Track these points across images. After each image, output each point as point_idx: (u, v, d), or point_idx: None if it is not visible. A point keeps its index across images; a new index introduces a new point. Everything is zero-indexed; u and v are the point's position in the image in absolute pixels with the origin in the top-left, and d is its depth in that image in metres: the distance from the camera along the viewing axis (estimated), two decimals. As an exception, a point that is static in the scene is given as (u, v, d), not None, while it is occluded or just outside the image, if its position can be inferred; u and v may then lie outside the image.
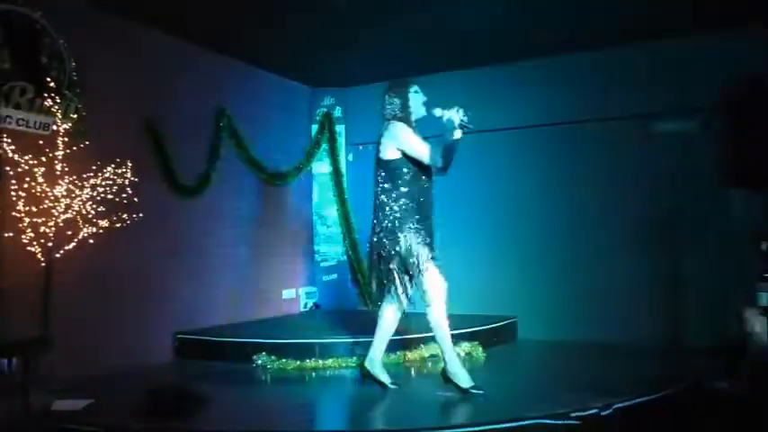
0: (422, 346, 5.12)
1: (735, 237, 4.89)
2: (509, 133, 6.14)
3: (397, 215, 3.85)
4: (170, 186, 5.51)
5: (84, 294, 4.69)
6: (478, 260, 6.18)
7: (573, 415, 3.37)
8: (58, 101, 4.38)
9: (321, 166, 7.31)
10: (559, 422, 3.34)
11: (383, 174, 3.94)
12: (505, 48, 5.94)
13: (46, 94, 4.36)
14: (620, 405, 3.51)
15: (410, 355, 5.06)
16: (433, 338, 5.02)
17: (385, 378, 4.14)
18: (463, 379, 3.89)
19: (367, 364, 4.18)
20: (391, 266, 3.85)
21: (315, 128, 7.29)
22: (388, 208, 3.89)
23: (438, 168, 3.89)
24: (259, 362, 4.98)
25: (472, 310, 5.84)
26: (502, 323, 5.75)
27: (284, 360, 4.95)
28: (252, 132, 6.37)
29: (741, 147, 4.14)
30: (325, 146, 7.26)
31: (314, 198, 7.39)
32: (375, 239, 3.95)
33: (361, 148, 7.20)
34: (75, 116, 4.42)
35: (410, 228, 3.84)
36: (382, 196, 3.93)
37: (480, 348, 5.20)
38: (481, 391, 3.84)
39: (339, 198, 7.26)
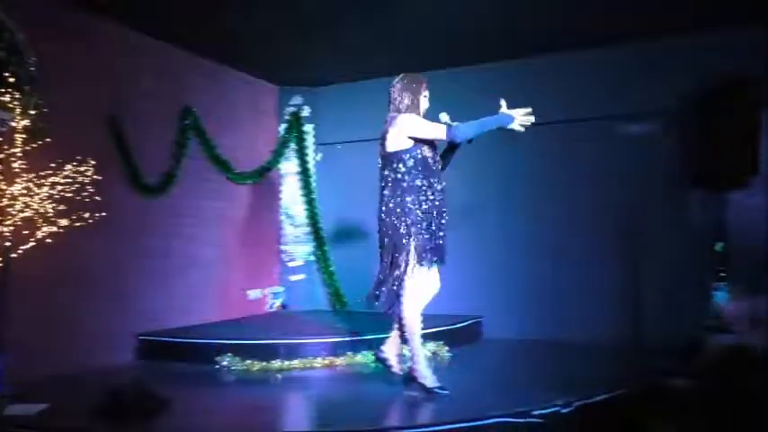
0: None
1: (693, 237, 5.00)
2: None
3: (401, 209, 3.82)
4: (133, 185, 5.43)
5: (43, 295, 4.59)
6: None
7: (534, 413, 3.41)
8: (17, 97, 4.27)
9: (289, 166, 7.28)
10: (521, 420, 3.38)
11: (388, 167, 3.90)
12: (472, 50, 5.98)
13: (4, 90, 4.25)
14: (580, 403, 3.57)
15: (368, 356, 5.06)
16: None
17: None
18: (429, 379, 3.91)
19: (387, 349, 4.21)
20: (406, 259, 3.82)
21: (283, 127, 7.26)
22: (392, 203, 3.85)
23: (456, 144, 3.90)
24: (223, 363, 4.93)
25: (438, 310, 5.85)
26: (467, 323, 5.79)
27: (249, 361, 4.91)
28: (219, 131, 6.31)
29: (700, 149, 4.24)
30: (293, 145, 7.23)
31: (282, 197, 7.35)
32: (380, 234, 3.94)
33: (339, 147, 7.17)
34: (35, 113, 4.31)
35: (413, 223, 3.80)
36: (386, 191, 3.89)
37: (445, 348, 5.23)
38: (446, 391, 3.86)
39: (307, 198, 7.24)
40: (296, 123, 7.22)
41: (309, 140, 7.29)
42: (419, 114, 3.96)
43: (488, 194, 6.20)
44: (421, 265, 3.81)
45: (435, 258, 3.88)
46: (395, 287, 3.86)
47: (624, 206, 5.68)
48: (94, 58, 5.14)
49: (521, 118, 3.85)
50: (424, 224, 3.83)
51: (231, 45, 6.01)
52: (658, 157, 5.28)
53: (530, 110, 3.73)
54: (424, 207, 3.84)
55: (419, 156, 3.86)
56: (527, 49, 5.94)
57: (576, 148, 5.88)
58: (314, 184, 7.24)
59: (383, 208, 3.90)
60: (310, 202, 7.21)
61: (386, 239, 3.89)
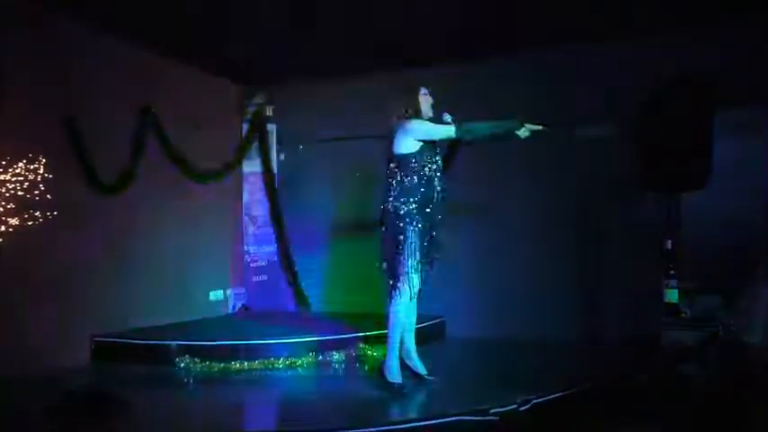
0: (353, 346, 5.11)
1: (647, 237, 5.10)
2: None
3: (404, 212, 3.90)
4: (89, 184, 5.31)
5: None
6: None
7: (492, 411, 3.44)
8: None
9: (252, 166, 7.20)
10: (479, 418, 3.40)
11: (392, 170, 4.00)
12: (431, 50, 6.00)
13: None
14: (538, 400, 3.61)
15: (337, 355, 5.04)
16: (359, 339, 5.13)
17: (421, 370, 4.18)
18: (393, 375, 3.98)
19: (403, 356, 4.19)
20: (397, 260, 3.91)
21: (245, 127, 7.18)
22: (397, 206, 3.93)
23: (466, 142, 4.05)
24: (182, 365, 4.85)
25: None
26: (429, 323, 5.80)
27: (208, 362, 4.84)
28: (179, 130, 6.20)
29: (653, 150, 4.32)
30: (255, 144, 7.16)
31: (244, 198, 7.27)
32: (382, 235, 4.01)
33: (301, 147, 7.14)
34: (-17, 110, 4.20)
35: (410, 224, 3.89)
36: (389, 192, 3.97)
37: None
38: (404, 390, 3.90)
39: (270, 198, 7.18)
40: (259, 123, 7.15)
41: (272, 140, 7.23)
42: (423, 118, 4.04)
43: (450, 196, 6.21)
44: (412, 265, 3.90)
45: (426, 260, 3.97)
46: (391, 283, 3.97)
47: (580, 207, 5.77)
48: (49, 56, 5.02)
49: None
50: (419, 226, 3.91)
51: (192, 44, 5.93)
52: (613, 159, 5.38)
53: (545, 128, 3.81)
54: (418, 207, 3.92)
55: (422, 159, 3.96)
56: (483, 51, 5.97)
57: (532, 151, 5.92)
58: (276, 184, 7.18)
59: (384, 206, 3.99)
60: (273, 202, 7.15)
61: (385, 237, 3.99)
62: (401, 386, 3.92)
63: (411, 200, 3.91)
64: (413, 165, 3.93)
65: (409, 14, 5.28)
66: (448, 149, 4.34)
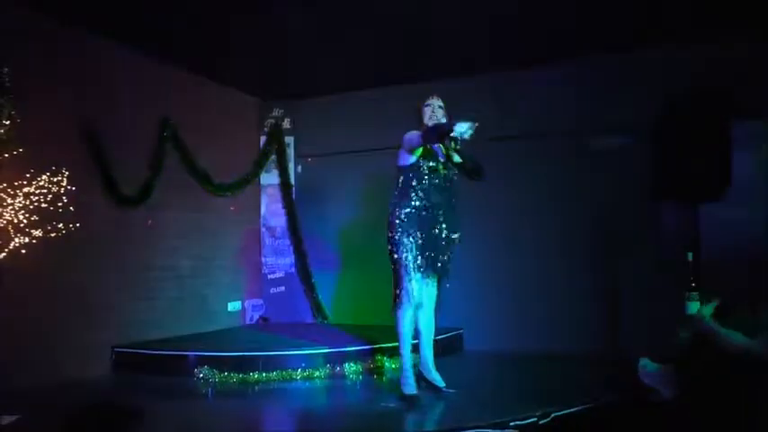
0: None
1: (667, 248, 5.05)
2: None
3: (398, 223, 3.97)
4: (110, 196, 5.38)
5: (17, 306, 4.51)
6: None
7: (511, 424, 3.40)
8: (-10, 107, 4.23)
9: (269, 178, 7.25)
10: (498, 431, 3.37)
11: (396, 181, 4.08)
12: (447, 64, 6.01)
13: (-25, 100, 4.20)
14: (557, 414, 3.57)
15: (354, 367, 5.03)
16: (378, 351, 5.12)
17: (438, 382, 4.16)
18: (406, 386, 3.99)
19: (422, 368, 4.22)
20: (396, 269, 4.00)
21: (263, 139, 7.24)
22: (393, 216, 4.00)
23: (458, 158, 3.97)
24: (201, 375, 4.88)
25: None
26: (448, 335, 5.78)
27: (227, 373, 4.86)
28: (198, 143, 6.27)
29: (672, 161, 4.29)
30: (273, 157, 7.22)
31: (262, 210, 7.31)
32: (387, 245, 4.08)
33: (308, 160, 7.19)
34: (8, 122, 4.26)
35: (408, 235, 3.94)
36: (391, 203, 4.05)
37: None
38: (418, 401, 3.91)
39: (288, 210, 7.22)
40: (276, 135, 7.20)
41: (290, 152, 7.28)
42: (423, 124, 4.07)
43: (469, 208, 6.19)
44: (407, 274, 3.93)
45: (425, 270, 3.96)
46: (396, 293, 4.03)
47: (598, 220, 5.71)
48: (71, 69, 5.11)
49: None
50: (411, 237, 3.93)
51: (212, 58, 6.01)
52: (632, 171, 5.34)
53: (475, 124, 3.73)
54: (412, 217, 3.94)
55: (418, 170, 4.00)
56: (500, 63, 5.97)
57: (551, 163, 5.93)
58: (294, 196, 7.22)
59: (388, 219, 4.06)
60: (291, 214, 7.18)
61: (388, 249, 4.06)
62: (414, 397, 3.92)
63: (405, 210, 3.95)
64: (410, 176, 4.00)
65: (429, 29, 5.30)
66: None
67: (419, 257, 3.95)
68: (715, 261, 4.54)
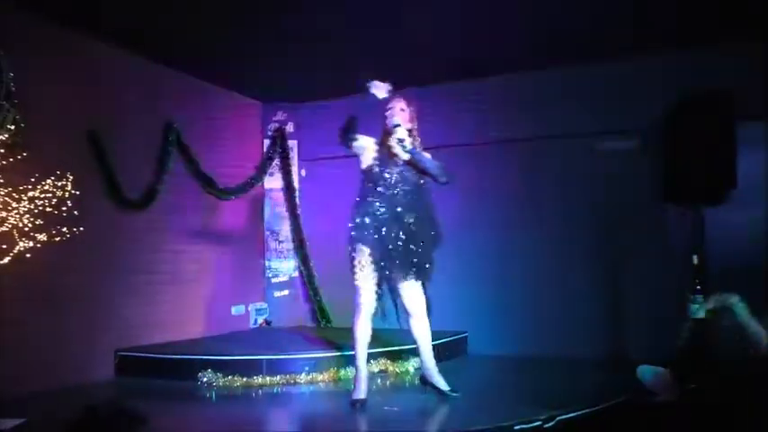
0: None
1: (671, 251, 5.03)
2: (459, 149, 6.21)
3: (354, 226, 3.98)
4: (114, 200, 5.39)
5: (21, 310, 4.53)
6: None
7: (516, 428, 3.39)
8: (-6, 112, 4.24)
9: (273, 181, 7.26)
10: (503, 435, 3.36)
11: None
12: (455, 66, 6.01)
13: (-20, 105, 4.21)
14: (563, 417, 3.56)
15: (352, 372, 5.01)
16: (382, 354, 5.12)
17: (442, 386, 4.14)
18: (353, 389, 4.03)
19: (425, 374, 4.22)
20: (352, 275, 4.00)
21: (267, 143, 7.25)
22: (351, 221, 4.02)
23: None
24: (204, 379, 4.87)
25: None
26: (451, 338, 5.77)
27: (230, 377, 4.86)
28: (201, 147, 6.28)
29: (675, 164, 4.27)
30: (277, 161, 7.22)
31: (265, 213, 7.32)
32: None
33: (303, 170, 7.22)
34: (13, 127, 4.27)
35: (358, 239, 3.94)
36: (351, 208, 4.07)
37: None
38: (360, 405, 3.95)
39: (291, 213, 7.22)
40: (280, 139, 7.21)
41: (293, 156, 7.28)
42: (387, 131, 4.06)
43: (474, 212, 6.21)
44: (363, 280, 3.94)
45: (382, 275, 3.94)
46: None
47: (603, 222, 5.70)
48: (75, 74, 5.13)
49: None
50: (365, 244, 3.92)
51: (214, 62, 6.02)
52: (639, 173, 5.32)
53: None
54: (368, 222, 3.94)
55: (372, 173, 4.01)
56: (506, 66, 5.96)
57: (553, 165, 5.92)
58: (298, 200, 7.22)
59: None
60: (294, 218, 7.19)
61: (349, 250, 4.06)
62: (358, 402, 3.95)
63: (359, 215, 3.97)
64: (365, 181, 4.05)
65: (433, 32, 5.31)
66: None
67: (373, 264, 3.92)
68: (720, 264, 4.52)
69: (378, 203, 3.96)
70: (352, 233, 3.97)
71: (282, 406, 4.51)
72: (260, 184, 7.13)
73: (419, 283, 4.04)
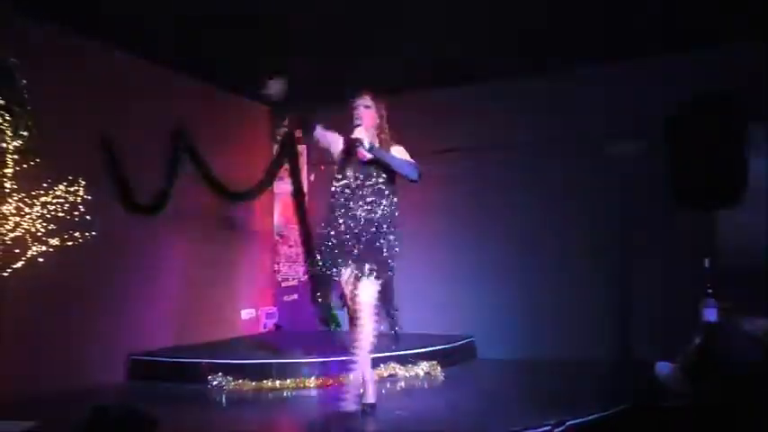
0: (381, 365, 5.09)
1: (682, 254, 5.01)
2: (468, 153, 6.22)
3: (323, 224, 3.97)
4: (125, 205, 5.43)
5: (34, 314, 4.57)
6: (437, 280, 6.22)
7: (526, 432, 3.39)
8: (8, 118, 4.29)
9: (282, 186, 7.28)
10: (513, 439, 3.36)
11: None
12: (462, 69, 6.03)
13: (-5, 112, 4.27)
14: (572, 422, 3.54)
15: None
16: (391, 358, 5.12)
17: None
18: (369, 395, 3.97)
19: None
20: None
21: (276, 148, 7.27)
22: (319, 243, 3.99)
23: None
24: (215, 383, 4.90)
25: (430, 330, 5.87)
26: (460, 343, 5.77)
27: (241, 381, 4.88)
28: (211, 151, 6.31)
29: (686, 167, 4.25)
30: (286, 165, 7.23)
31: (275, 218, 7.34)
32: None
33: (322, 168, 7.20)
34: (26, 134, 4.32)
35: (326, 240, 3.90)
36: None
37: (439, 368, 5.22)
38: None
39: (300, 218, 7.23)
40: (289, 143, 7.23)
41: (302, 161, 7.30)
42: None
43: (484, 215, 6.21)
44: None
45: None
46: None
47: (613, 226, 5.69)
48: (86, 80, 5.17)
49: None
50: (331, 242, 3.87)
51: (223, 68, 6.06)
52: (647, 176, 5.32)
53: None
54: (336, 225, 3.88)
55: (343, 173, 3.96)
56: (516, 69, 5.98)
57: (565, 168, 5.91)
58: (307, 204, 7.23)
59: None
60: (304, 222, 7.19)
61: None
62: (366, 406, 3.90)
63: (330, 215, 3.91)
64: (335, 177, 3.99)
65: (439, 37, 5.32)
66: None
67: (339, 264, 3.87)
68: (732, 266, 4.49)
69: (339, 204, 3.89)
70: (330, 246, 3.86)
71: (292, 410, 4.52)
72: (269, 188, 7.16)
73: (376, 281, 3.88)
